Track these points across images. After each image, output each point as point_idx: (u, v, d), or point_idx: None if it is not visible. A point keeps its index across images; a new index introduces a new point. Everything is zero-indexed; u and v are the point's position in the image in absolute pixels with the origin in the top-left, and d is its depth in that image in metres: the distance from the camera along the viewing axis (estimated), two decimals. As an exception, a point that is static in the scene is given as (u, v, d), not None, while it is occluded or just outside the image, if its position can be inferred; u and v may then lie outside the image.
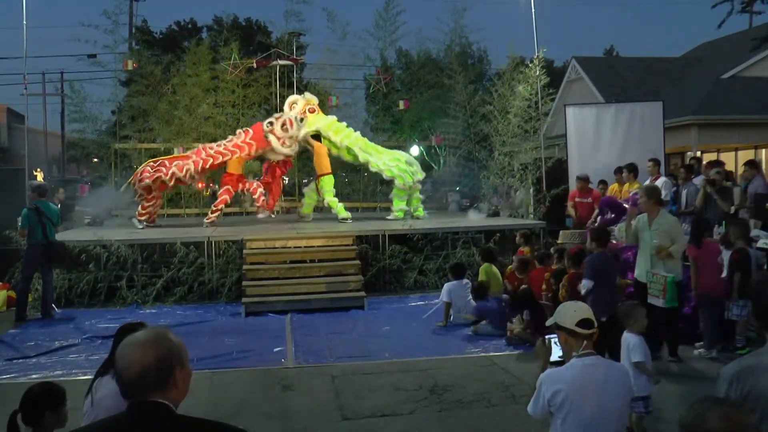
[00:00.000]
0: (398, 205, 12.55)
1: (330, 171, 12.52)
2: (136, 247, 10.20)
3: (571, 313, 3.08)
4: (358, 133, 12.84)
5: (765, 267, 7.05)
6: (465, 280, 8.69)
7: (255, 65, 15.41)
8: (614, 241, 8.06)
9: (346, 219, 12.31)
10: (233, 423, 2.04)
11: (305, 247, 10.39)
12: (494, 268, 8.91)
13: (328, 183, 12.47)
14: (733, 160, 17.45)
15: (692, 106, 17.16)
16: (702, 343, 6.88)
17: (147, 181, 11.52)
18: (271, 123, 11.95)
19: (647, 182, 9.91)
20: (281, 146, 11.97)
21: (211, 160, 11.81)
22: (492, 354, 7.13)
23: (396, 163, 12.32)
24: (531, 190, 13.21)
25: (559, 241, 9.94)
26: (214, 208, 12.30)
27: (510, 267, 8.69)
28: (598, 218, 9.83)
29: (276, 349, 7.42)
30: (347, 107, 17.20)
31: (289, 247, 10.37)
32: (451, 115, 15.99)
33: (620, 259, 7.77)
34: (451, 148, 16.23)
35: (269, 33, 23.06)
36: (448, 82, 16.16)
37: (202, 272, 10.03)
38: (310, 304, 9.38)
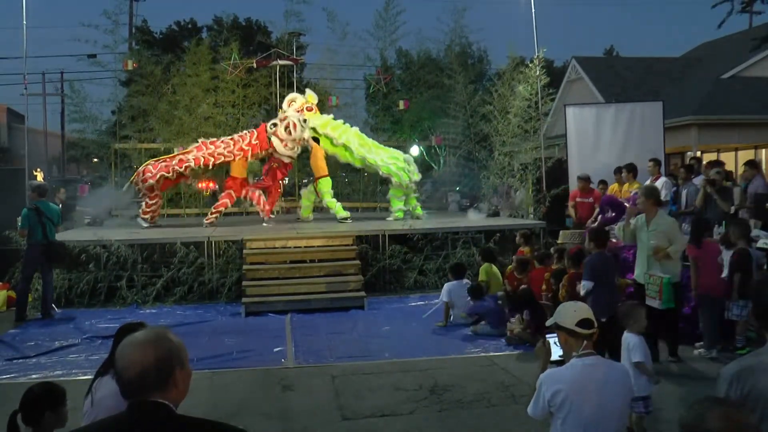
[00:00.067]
0: (396, 206, 12.55)
1: (327, 173, 12.53)
2: (136, 247, 10.20)
3: (571, 313, 3.08)
4: (356, 128, 12.83)
5: (765, 267, 7.05)
6: (465, 280, 8.69)
7: (255, 65, 15.41)
8: (614, 240, 8.06)
9: (346, 219, 12.30)
10: (233, 423, 2.04)
11: (305, 247, 10.39)
12: (494, 268, 8.91)
13: (326, 185, 12.47)
14: (733, 160, 17.45)
15: (692, 106, 17.16)
16: (702, 343, 6.88)
17: (150, 181, 11.49)
18: (274, 125, 11.89)
19: (648, 182, 9.91)
20: (284, 148, 11.92)
21: (213, 160, 11.79)
22: (492, 354, 7.13)
23: (394, 161, 12.30)
24: (531, 191, 13.21)
25: (559, 241, 9.94)
26: (214, 210, 12.24)
27: (510, 267, 8.70)
28: (599, 217, 9.84)
29: (276, 349, 7.42)
30: (347, 107, 17.24)
31: (289, 247, 10.37)
32: (451, 115, 16.00)
33: (620, 258, 7.77)
34: (451, 148, 16.24)
35: (269, 33, 23.08)
36: (448, 82, 16.17)
37: (202, 272, 10.03)
38: (310, 304, 9.38)
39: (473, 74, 18.41)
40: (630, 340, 4.73)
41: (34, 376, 6.47)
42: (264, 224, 11.94)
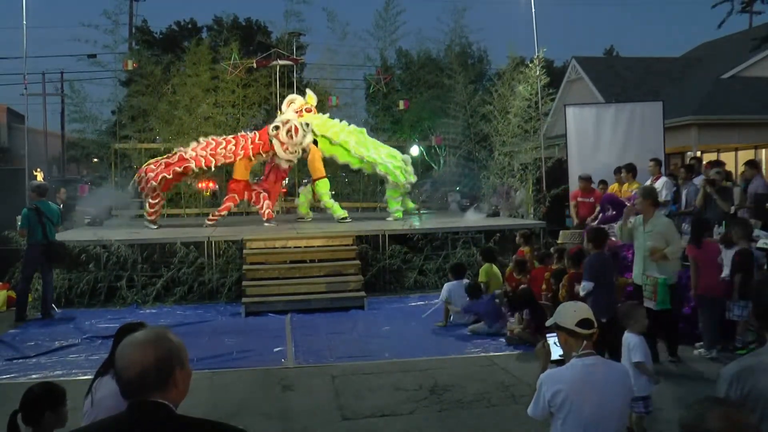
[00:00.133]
0: (394, 206, 12.55)
1: (324, 174, 12.54)
2: (136, 247, 10.19)
3: (571, 313, 3.08)
4: (353, 126, 12.84)
5: (765, 267, 7.05)
6: (465, 280, 8.69)
7: (255, 65, 15.42)
8: (613, 239, 8.05)
9: (345, 219, 12.30)
10: (233, 423, 2.04)
11: (305, 247, 10.39)
12: (495, 269, 8.91)
13: (323, 186, 12.48)
14: (733, 160, 17.44)
15: (692, 106, 17.16)
16: (702, 343, 6.87)
17: (153, 182, 11.44)
18: (276, 127, 11.80)
19: (648, 182, 9.92)
20: (284, 152, 11.86)
21: (214, 161, 11.74)
22: (492, 354, 7.13)
23: (391, 160, 12.31)
24: (531, 191, 13.21)
25: (559, 241, 9.94)
26: (217, 214, 12.18)
27: (509, 268, 8.70)
28: (600, 215, 9.84)
29: (276, 349, 7.42)
30: (347, 107, 17.26)
31: (289, 247, 10.37)
32: (451, 115, 16.00)
33: (619, 257, 7.77)
34: (451, 148, 16.24)
35: (269, 33, 23.08)
36: (448, 82, 16.17)
37: (202, 272, 10.03)
38: (310, 304, 9.38)
39: (473, 74, 18.42)
40: (630, 340, 4.73)
41: (34, 376, 6.47)
42: (265, 224, 11.92)
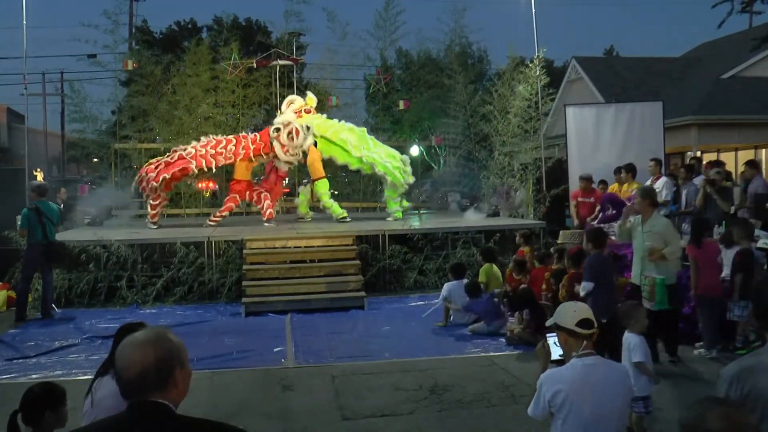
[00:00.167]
0: (393, 207, 12.56)
1: (324, 175, 12.54)
2: (136, 247, 10.19)
3: (570, 313, 3.08)
4: (351, 124, 12.85)
5: (765, 267, 7.05)
6: (465, 280, 8.69)
7: (255, 65, 15.42)
8: (612, 238, 8.05)
9: (344, 219, 12.30)
10: (233, 423, 2.04)
11: (305, 247, 10.39)
12: (495, 269, 8.91)
13: (323, 186, 12.48)
14: (733, 160, 17.44)
15: (692, 106, 17.16)
16: (702, 343, 6.87)
17: (154, 183, 11.42)
18: (277, 129, 11.74)
19: (649, 182, 9.93)
20: (284, 154, 11.81)
21: (214, 162, 11.71)
22: (492, 354, 7.13)
23: (391, 160, 12.33)
24: (531, 191, 13.21)
25: (559, 241, 9.94)
26: (219, 214, 12.16)
27: (509, 268, 8.70)
28: (600, 214, 9.84)
29: (276, 349, 7.42)
30: (347, 107, 17.25)
31: (289, 247, 10.37)
32: (451, 115, 16.00)
33: (620, 257, 7.76)
34: (451, 148, 16.24)
35: (269, 33, 23.08)
36: (448, 82, 16.17)
37: (202, 272, 10.03)
38: (310, 304, 9.38)
39: (473, 74, 18.42)
40: (631, 340, 4.73)
41: (34, 376, 6.47)
42: (265, 224, 11.92)
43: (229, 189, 12.46)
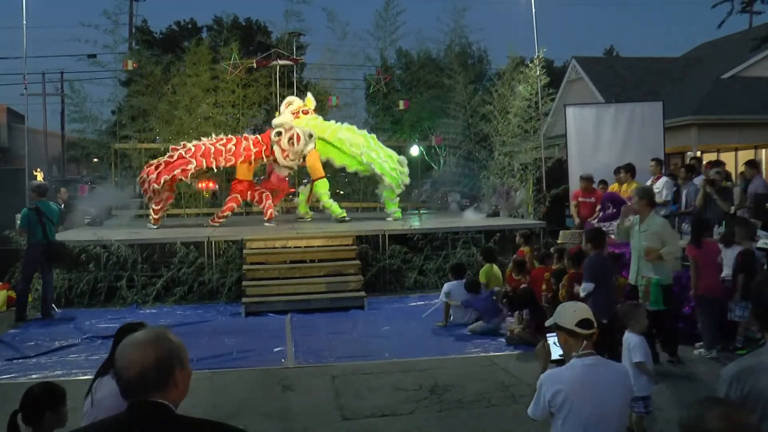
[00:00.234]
0: (392, 207, 12.58)
1: (323, 174, 12.54)
2: (136, 247, 10.19)
3: (570, 313, 3.08)
4: (347, 124, 12.87)
5: (766, 267, 7.05)
6: (465, 281, 8.68)
7: (255, 65, 15.42)
8: (612, 236, 8.04)
9: (344, 219, 12.30)
10: (233, 423, 2.04)
11: (305, 247, 10.39)
12: (495, 269, 8.91)
13: (323, 186, 12.48)
14: (733, 160, 17.45)
15: (692, 106, 17.16)
16: (702, 343, 6.87)
17: (155, 185, 11.39)
18: (279, 133, 11.70)
19: (649, 182, 9.93)
20: (284, 159, 11.81)
21: (215, 163, 11.69)
22: (492, 354, 7.13)
23: (388, 161, 12.35)
24: (531, 191, 13.22)
25: (559, 241, 9.94)
26: (221, 214, 12.14)
27: (509, 268, 8.70)
28: (600, 213, 9.84)
29: (276, 349, 7.42)
30: (347, 107, 17.26)
31: (289, 247, 10.37)
32: (451, 115, 16.00)
33: (619, 257, 7.75)
34: (451, 148, 16.23)
35: (269, 33, 23.06)
36: (448, 82, 16.17)
37: (202, 272, 10.03)
38: (310, 304, 9.38)
39: (473, 74, 18.41)
40: (631, 340, 4.73)
41: (34, 376, 6.47)
42: (265, 224, 11.91)
43: (231, 189, 12.45)
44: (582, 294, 6.10)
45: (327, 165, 12.86)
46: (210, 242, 10.26)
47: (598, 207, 10.10)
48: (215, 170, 12.16)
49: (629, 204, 7.48)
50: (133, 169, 15.00)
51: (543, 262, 8.12)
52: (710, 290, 6.73)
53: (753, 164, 9.95)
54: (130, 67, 14.63)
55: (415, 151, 15.97)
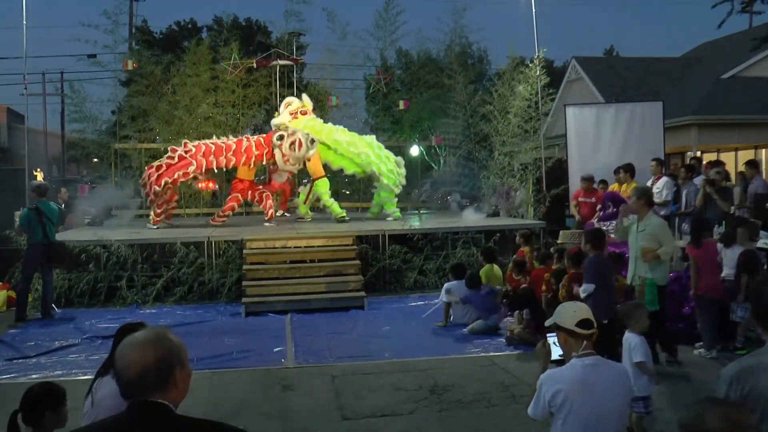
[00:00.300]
0: (390, 208, 12.59)
1: (324, 174, 12.55)
2: (136, 247, 10.19)
3: (570, 313, 3.08)
4: (341, 127, 12.90)
5: (766, 267, 7.05)
6: (466, 276, 8.68)
7: (255, 65, 15.42)
8: (611, 236, 8.04)
9: (344, 219, 12.31)
10: (233, 423, 2.04)
11: (305, 247, 10.39)
12: (496, 269, 8.92)
13: (323, 185, 12.49)
14: (733, 160, 17.45)
15: (692, 106, 17.16)
16: (702, 343, 6.87)
17: (156, 187, 11.38)
18: (281, 137, 11.66)
19: (650, 182, 9.94)
20: (284, 164, 11.80)
21: (215, 163, 11.67)
22: (492, 354, 7.13)
23: (386, 162, 12.38)
24: (531, 191, 13.22)
25: (559, 241, 9.94)
26: (222, 214, 12.15)
27: (509, 268, 8.71)
28: (600, 213, 9.84)
29: (276, 349, 7.42)
30: (347, 107, 17.26)
31: (289, 247, 10.37)
32: (451, 115, 16.00)
33: (619, 257, 7.75)
34: (451, 148, 16.23)
35: (269, 33, 23.06)
36: (448, 82, 16.17)
37: (202, 272, 10.03)
38: (310, 304, 9.38)
39: (473, 74, 18.41)
40: (631, 340, 4.73)
41: (34, 376, 6.47)
42: (265, 224, 11.91)
43: (231, 188, 12.45)
44: (582, 295, 6.09)
45: (325, 167, 12.87)
46: (210, 242, 10.26)
47: (599, 207, 10.11)
48: (215, 171, 12.15)
49: (625, 204, 7.47)
50: (133, 169, 15.00)
51: (543, 262, 8.12)
52: (710, 290, 6.73)
53: (753, 164, 9.97)
54: (130, 67, 14.63)
55: (415, 151, 15.97)
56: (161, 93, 15.20)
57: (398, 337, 7.89)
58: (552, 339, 3.27)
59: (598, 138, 11.75)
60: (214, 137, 12.18)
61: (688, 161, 13.57)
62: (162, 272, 9.97)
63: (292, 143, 11.62)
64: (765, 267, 7.06)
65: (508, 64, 14.58)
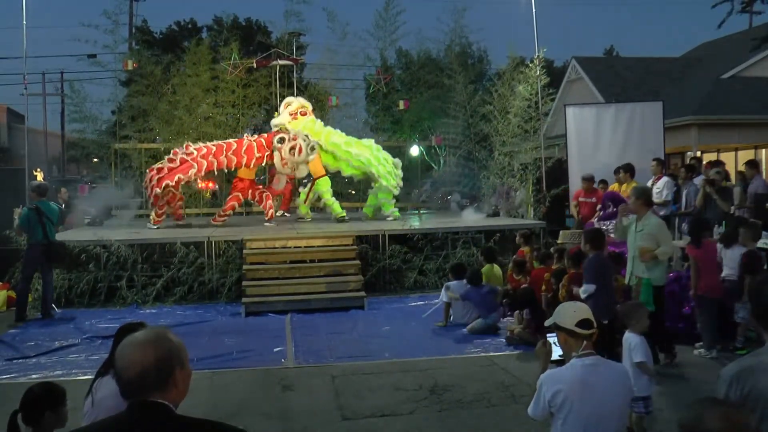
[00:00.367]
0: (389, 209, 12.59)
1: (325, 173, 12.55)
2: (136, 247, 10.19)
3: (570, 313, 3.08)
4: (338, 131, 12.95)
5: (765, 267, 7.05)
6: (465, 281, 8.68)
7: (255, 65, 15.42)
8: (611, 235, 8.04)
9: (344, 218, 12.31)
10: (233, 423, 2.04)
11: (305, 247, 10.39)
12: (496, 269, 8.92)
13: (324, 184, 12.49)
14: (733, 160, 17.45)
15: (692, 106, 17.16)
16: (702, 343, 6.87)
17: (157, 189, 11.37)
18: (282, 140, 11.65)
19: (650, 181, 9.94)
20: (282, 166, 11.81)
21: (216, 164, 11.65)
22: (492, 354, 7.13)
23: (384, 164, 12.40)
24: (531, 191, 13.22)
25: (559, 241, 9.94)
26: (222, 213, 12.15)
27: (510, 268, 8.71)
28: (600, 212, 9.85)
29: (276, 349, 7.42)
30: (347, 107, 17.24)
31: (289, 247, 10.37)
32: (451, 115, 16.00)
33: (622, 258, 7.74)
34: (451, 148, 16.23)
35: (269, 33, 23.05)
36: (448, 82, 16.16)
37: (202, 272, 10.03)
38: (310, 304, 9.38)
39: (473, 74, 18.39)
40: (632, 340, 4.73)
41: (34, 376, 6.47)
42: (265, 224, 11.91)
43: (232, 187, 12.45)
44: (583, 296, 6.09)
45: (324, 167, 12.87)
46: (210, 242, 10.26)
47: (599, 207, 10.11)
48: (215, 172, 12.15)
49: (624, 204, 7.47)
50: (133, 169, 15.00)
51: (543, 262, 8.12)
52: (710, 290, 6.73)
53: (753, 164, 9.96)
54: (130, 67, 14.63)
55: (415, 151, 15.97)
56: (161, 93, 15.19)
57: (398, 337, 7.89)
58: (552, 339, 3.27)
59: (598, 138, 11.76)
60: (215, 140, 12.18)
61: (688, 161, 13.57)
62: (162, 272, 9.97)
63: (292, 148, 11.62)
64: (766, 267, 7.05)
65: (508, 64, 14.59)
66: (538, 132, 13.69)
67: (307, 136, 12.00)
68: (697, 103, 17.33)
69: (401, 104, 16.12)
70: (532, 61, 13.86)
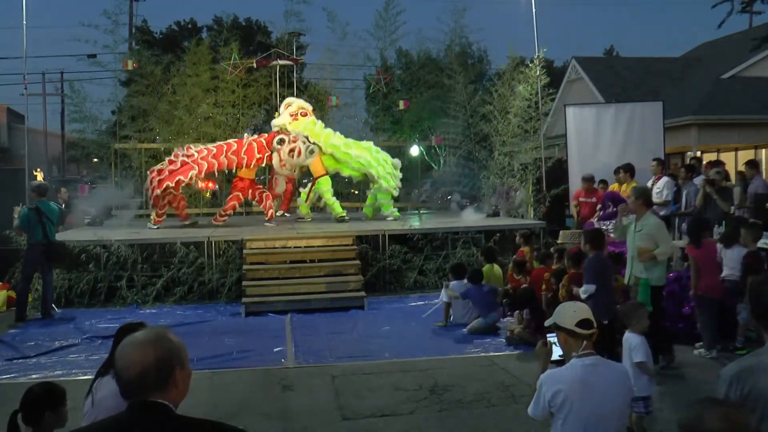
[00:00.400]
0: (389, 209, 12.59)
1: (325, 172, 12.55)
2: (136, 247, 10.19)
3: (570, 313, 3.08)
4: (337, 133, 12.94)
5: (766, 267, 7.05)
6: (465, 281, 8.68)
7: (255, 65, 15.41)
8: (611, 235, 8.04)
9: (344, 218, 12.31)
10: (233, 423, 2.04)
11: (305, 247, 10.39)
12: (496, 269, 8.92)
13: (325, 184, 12.49)
14: (733, 160, 17.44)
15: (692, 106, 17.16)
16: (702, 343, 6.87)
17: (157, 191, 11.34)
18: (282, 141, 11.65)
19: (650, 182, 9.93)
20: (281, 168, 11.84)
21: (216, 165, 11.64)
22: (492, 354, 7.13)
23: (383, 165, 12.41)
24: (531, 191, 13.22)
25: (559, 241, 9.94)
26: (223, 213, 12.15)
27: (510, 268, 8.71)
28: (600, 212, 9.85)
29: (276, 349, 7.42)
30: (347, 107, 17.23)
31: (289, 247, 10.37)
32: (451, 115, 15.99)
33: (622, 258, 7.74)
34: (451, 148, 16.23)
35: (269, 33, 23.05)
36: (448, 82, 16.16)
37: (202, 272, 10.03)
38: (310, 304, 9.38)
39: (473, 74, 18.39)
40: (632, 340, 4.73)
41: (34, 376, 6.47)
42: (265, 224, 11.91)
43: (232, 186, 12.45)
44: (583, 296, 6.08)
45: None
46: (210, 242, 10.26)
47: (599, 207, 10.11)
48: (216, 173, 12.15)
49: (623, 204, 7.47)
50: (133, 169, 15.00)
51: (543, 262, 8.12)
52: (710, 290, 6.73)
53: (753, 164, 9.96)
54: (130, 67, 14.62)
55: (415, 151, 15.97)
56: (161, 93, 15.19)
57: (398, 337, 7.89)
58: (552, 339, 3.27)
59: (598, 138, 11.75)
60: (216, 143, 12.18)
61: (688, 161, 13.57)
62: (162, 272, 9.97)
63: (292, 150, 11.63)
64: (766, 267, 7.05)
65: (508, 64, 14.59)
66: (538, 132, 13.69)
67: (307, 138, 12.02)
68: (697, 103, 17.33)
69: (401, 104, 16.12)
70: (532, 61, 13.86)
